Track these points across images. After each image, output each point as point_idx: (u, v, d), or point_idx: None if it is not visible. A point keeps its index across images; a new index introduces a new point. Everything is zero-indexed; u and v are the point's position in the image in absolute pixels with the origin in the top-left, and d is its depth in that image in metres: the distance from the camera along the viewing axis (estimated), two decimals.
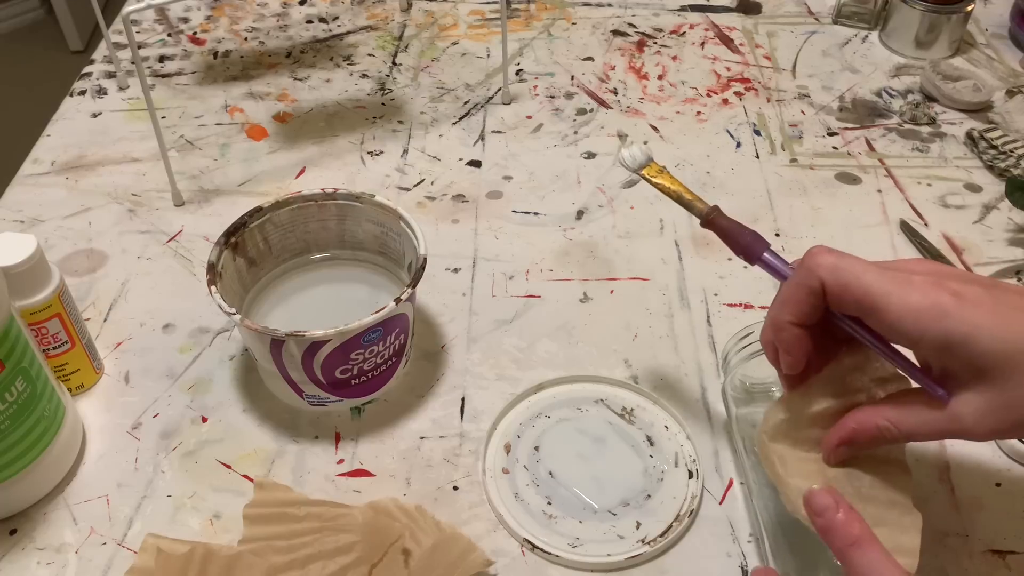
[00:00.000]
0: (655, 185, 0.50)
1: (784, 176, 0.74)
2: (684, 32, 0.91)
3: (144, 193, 0.73)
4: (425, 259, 0.55)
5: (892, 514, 0.43)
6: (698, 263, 0.67)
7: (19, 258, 0.51)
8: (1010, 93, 0.82)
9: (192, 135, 0.78)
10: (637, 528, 0.51)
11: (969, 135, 0.77)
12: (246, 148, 0.77)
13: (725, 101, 0.82)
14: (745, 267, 0.66)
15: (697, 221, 0.70)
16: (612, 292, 0.65)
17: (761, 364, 0.52)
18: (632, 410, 0.57)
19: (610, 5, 0.95)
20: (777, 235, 0.69)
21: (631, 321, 0.62)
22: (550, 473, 0.53)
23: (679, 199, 0.50)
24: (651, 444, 0.55)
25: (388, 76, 0.85)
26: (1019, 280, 0.65)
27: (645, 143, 0.49)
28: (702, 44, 0.90)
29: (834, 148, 0.77)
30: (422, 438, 0.56)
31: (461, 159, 0.76)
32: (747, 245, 0.48)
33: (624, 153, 0.51)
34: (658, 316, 0.63)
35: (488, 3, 0.95)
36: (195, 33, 0.91)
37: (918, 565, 0.41)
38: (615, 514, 0.51)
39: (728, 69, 0.86)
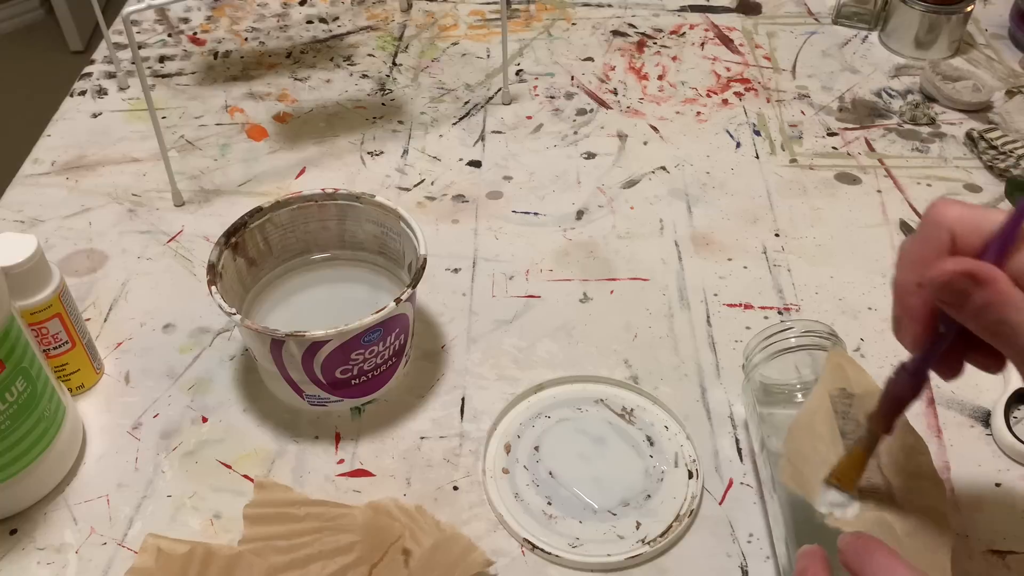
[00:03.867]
0: (861, 471, 0.45)
1: (784, 176, 0.74)
2: (684, 32, 0.91)
3: (144, 193, 0.73)
4: (425, 259, 0.55)
5: (924, 529, 0.43)
6: (698, 263, 0.67)
7: (19, 258, 0.51)
8: (1010, 93, 0.82)
9: (192, 135, 0.78)
10: (637, 528, 0.51)
11: (969, 135, 0.77)
12: (246, 148, 0.77)
13: (725, 101, 0.82)
14: (745, 267, 0.66)
15: (697, 222, 0.70)
16: (612, 292, 0.65)
17: (781, 365, 0.53)
18: (632, 410, 0.57)
19: (610, 5, 0.95)
20: (777, 235, 0.69)
21: (631, 321, 0.62)
22: (550, 473, 0.53)
23: (866, 457, 0.45)
24: (651, 444, 0.55)
25: (388, 76, 0.85)
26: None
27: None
28: (702, 44, 0.90)
29: (834, 148, 0.77)
30: (422, 438, 0.56)
31: (461, 159, 0.76)
32: (904, 391, 0.42)
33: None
34: (658, 316, 0.63)
35: (488, 3, 0.95)
36: (195, 33, 0.91)
37: None
38: (615, 514, 0.51)
39: (728, 69, 0.86)
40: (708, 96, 0.83)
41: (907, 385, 0.41)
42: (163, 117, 0.80)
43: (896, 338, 0.40)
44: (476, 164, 0.75)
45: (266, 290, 0.61)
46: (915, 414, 0.57)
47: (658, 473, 0.53)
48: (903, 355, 0.60)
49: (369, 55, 0.88)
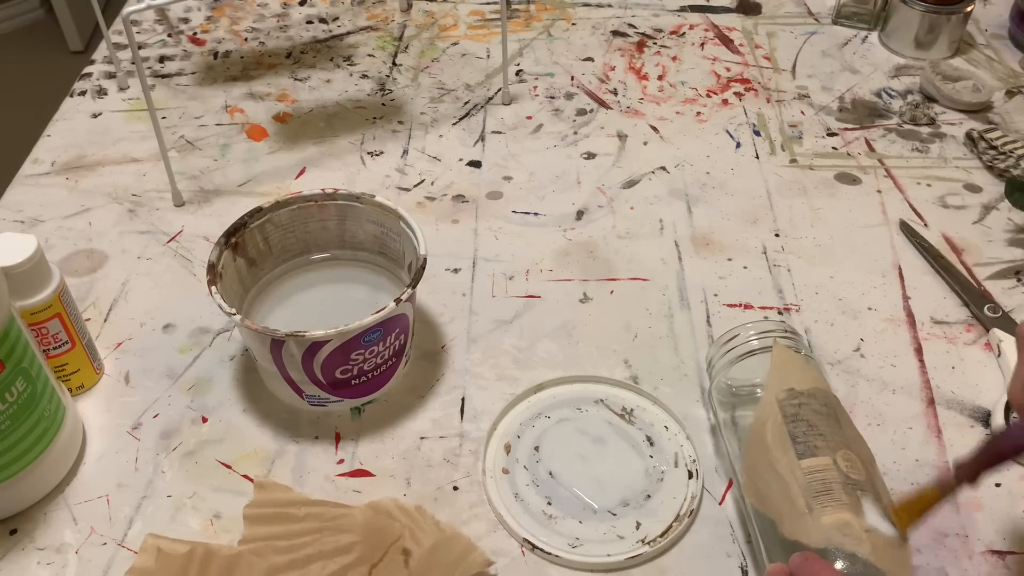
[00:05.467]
0: (926, 514, 0.44)
1: (784, 176, 0.74)
2: (684, 32, 0.91)
3: (144, 193, 0.73)
4: (425, 259, 0.55)
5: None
6: (698, 263, 0.67)
7: (19, 258, 0.51)
8: (1010, 93, 0.82)
9: (192, 135, 0.78)
10: (637, 528, 0.51)
11: (969, 135, 0.77)
12: (246, 148, 0.77)
13: (725, 101, 0.82)
14: (745, 267, 0.66)
15: (697, 222, 0.70)
16: (612, 292, 0.65)
17: (745, 367, 0.53)
18: (632, 410, 0.57)
19: (610, 5, 0.95)
20: (777, 235, 0.69)
21: (631, 321, 0.62)
22: (550, 473, 0.53)
23: (939, 499, 0.44)
24: (651, 444, 0.55)
25: (388, 76, 0.85)
26: (1019, 280, 0.65)
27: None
28: (702, 44, 0.90)
29: (834, 148, 0.77)
30: (422, 438, 0.56)
31: (461, 159, 0.76)
32: (1012, 447, 0.43)
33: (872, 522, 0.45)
34: (658, 316, 0.63)
35: (488, 3, 0.95)
36: (195, 33, 0.91)
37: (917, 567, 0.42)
38: (615, 514, 0.51)
39: (728, 69, 0.86)
40: (708, 96, 0.83)
41: (1018, 443, 0.42)
42: (163, 117, 0.80)
43: (1015, 398, 0.43)
44: (476, 164, 0.75)
45: (266, 290, 0.61)
46: (915, 414, 0.57)
47: (658, 473, 0.53)
48: (902, 355, 0.60)
49: (369, 55, 0.88)
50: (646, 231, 0.69)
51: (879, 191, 0.73)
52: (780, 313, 0.63)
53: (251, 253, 0.59)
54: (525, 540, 0.50)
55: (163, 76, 0.85)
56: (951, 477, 0.43)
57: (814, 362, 0.52)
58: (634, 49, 0.89)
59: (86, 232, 0.69)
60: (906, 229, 0.69)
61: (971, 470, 0.43)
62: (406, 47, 0.89)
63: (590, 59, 0.87)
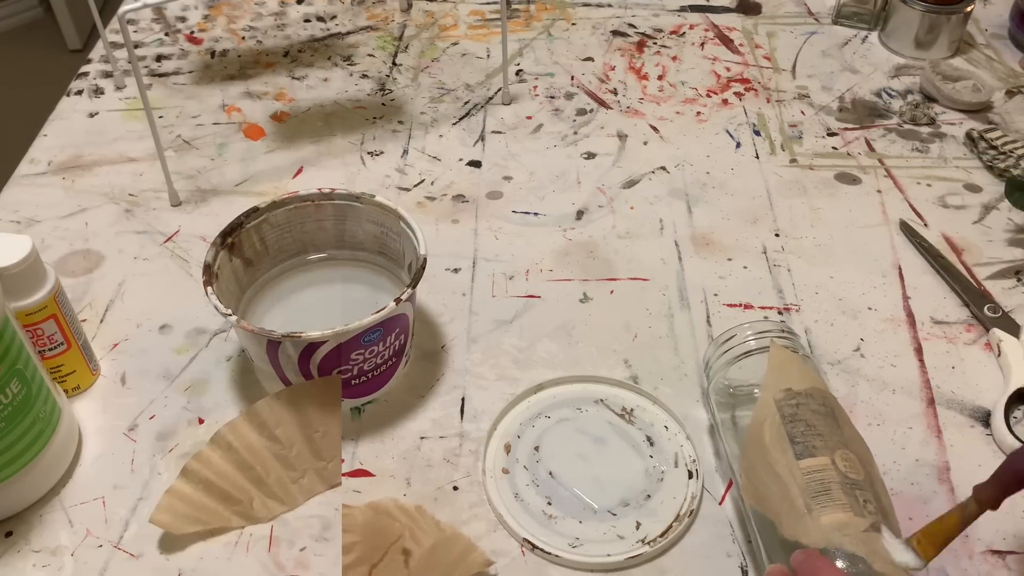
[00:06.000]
0: (939, 547, 0.43)
1: (784, 176, 0.74)
2: (684, 32, 0.91)
3: (141, 193, 0.72)
4: (425, 259, 0.55)
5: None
6: (698, 263, 0.66)
7: (14, 259, 0.50)
8: (1010, 93, 0.82)
9: (189, 135, 0.78)
10: (637, 528, 0.50)
11: (969, 135, 0.77)
12: (243, 148, 0.77)
13: (725, 101, 0.82)
14: (745, 267, 0.66)
15: (697, 222, 0.70)
16: (612, 292, 0.64)
17: (743, 367, 0.52)
18: (632, 410, 0.56)
19: (610, 5, 0.95)
20: (777, 235, 0.69)
21: (631, 321, 0.62)
22: (550, 473, 0.53)
23: (959, 527, 0.43)
24: (651, 444, 0.55)
25: (388, 76, 0.85)
26: (1019, 280, 0.65)
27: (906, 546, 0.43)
28: (702, 44, 0.90)
29: (834, 148, 0.77)
30: (422, 438, 0.55)
31: (461, 159, 0.76)
32: None
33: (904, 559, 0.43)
34: (658, 316, 0.63)
35: (488, 3, 0.95)
36: (192, 32, 0.91)
37: None
38: (615, 514, 0.51)
39: (728, 69, 0.86)
40: (708, 96, 0.83)
41: None
42: (160, 116, 0.80)
43: None
44: (476, 164, 0.75)
45: (263, 290, 0.60)
46: (915, 414, 0.56)
47: (658, 473, 0.53)
48: (902, 355, 0.60)
49: (369, 55, 0.88)
50: (646, 231, 0.69)
51: (879, 191, 0.73)
52: (780, 313, 0.63)
53: (247, 253, 0.58)
54: (525, 540, 0.50)
55: (160, 75, 0.85)
56: (972, 503, 0.42)
57: (811, 362, 0.52)
58: (634, 49, 0.89)
59: (82, 232, 0.69)
60: (906, 229, 0.69)
61: (992, 494, 0.41)
62: (406, 47, 0.89)
63: (590, 59, 0.87)
